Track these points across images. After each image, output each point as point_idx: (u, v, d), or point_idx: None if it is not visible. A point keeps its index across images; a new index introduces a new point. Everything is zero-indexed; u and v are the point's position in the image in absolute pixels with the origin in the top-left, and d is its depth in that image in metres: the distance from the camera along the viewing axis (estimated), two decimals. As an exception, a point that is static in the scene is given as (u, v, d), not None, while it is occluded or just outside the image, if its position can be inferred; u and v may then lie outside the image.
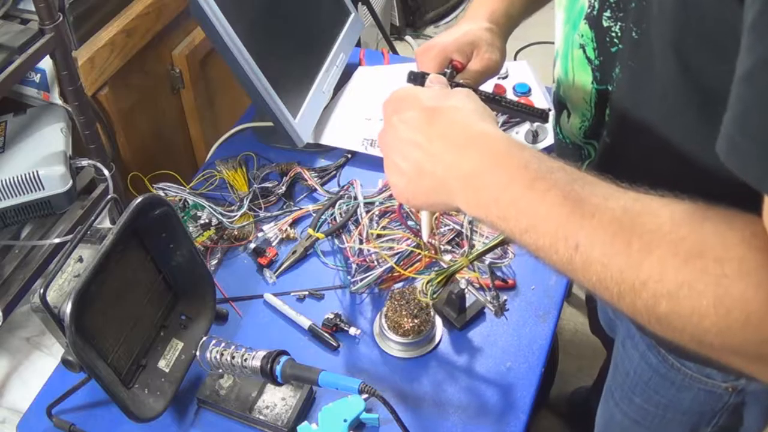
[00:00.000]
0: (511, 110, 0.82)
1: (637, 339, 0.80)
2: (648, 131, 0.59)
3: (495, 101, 0.78)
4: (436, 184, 0.56)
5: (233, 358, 0.91)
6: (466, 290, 1.03)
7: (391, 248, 1.14)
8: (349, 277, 1.13)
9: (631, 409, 0.85)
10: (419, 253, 1.12)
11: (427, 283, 1.00)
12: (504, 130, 1.02)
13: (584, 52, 0.65)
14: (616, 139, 0.65)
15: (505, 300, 1.04)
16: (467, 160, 0.54)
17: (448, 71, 0.81)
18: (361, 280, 1.11)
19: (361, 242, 1.15)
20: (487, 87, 1.39)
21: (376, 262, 1.13)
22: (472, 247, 1.10)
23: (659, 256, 0.44)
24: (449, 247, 1.16)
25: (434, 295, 1.01)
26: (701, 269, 0.43)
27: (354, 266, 1.13)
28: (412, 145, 0.58)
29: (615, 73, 0.62)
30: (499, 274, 1.13)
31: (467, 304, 1.09)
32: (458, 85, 0.78)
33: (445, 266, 1.12)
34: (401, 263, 1.12)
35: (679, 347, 0.74)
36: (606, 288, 0.47)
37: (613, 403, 0.90)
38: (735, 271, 0.42)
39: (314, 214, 1.24)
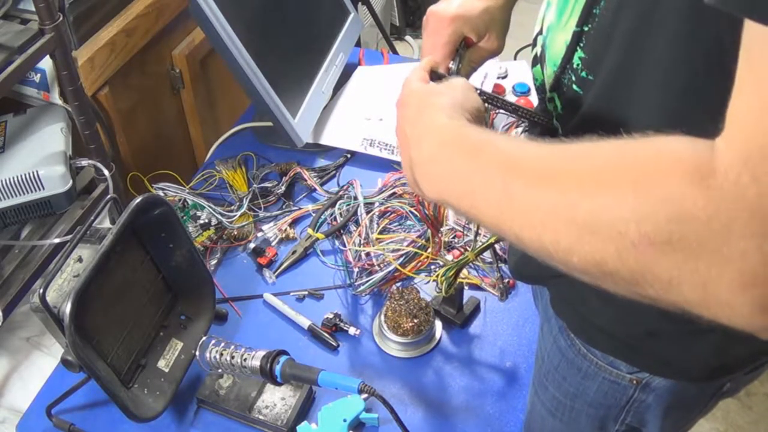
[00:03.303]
0: (515, 114, 0.81)
1: (552, 322, 0.80)
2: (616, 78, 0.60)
3: (502, 105, 0.77)
4: (414, 175, 0.63)
5: (233, 358, 0.91)
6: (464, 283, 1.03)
7: (395, 250, 1.13)
8: (350, 280, 1.13)
9: (546, 398, 0.85)
10: (423, 254, 1.12)
11: (442, 276, 1.01)
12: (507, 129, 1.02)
13: None
14: (579, 84, 0.65)
15: (509, 282, 1.04)
16: (421, 150, 0.61)
17: (461, 52, 0.80)
18: (365, 282, 1.11)
19: (361, 244, 1.15)
20: (487, 87, 1.40)
21: (377, 267, 1.13)
22: (476, 240, 1.09)
23: (584, 188, 0.46)
24: (447, 239, 1.17)
25: (450, 289, 1.02)
26: (625, 166, 0.44)
27: (356, 270, 1.13)
28: (405, 140, 0.65)
29: (599, 6, 0.61)
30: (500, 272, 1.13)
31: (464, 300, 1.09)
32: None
33: (442, 264, 1.12)
34: (404, 264, 1.12)
35: (587, 332, 0.74)
36: (534, 236, 0.48)
37: (533, 391, 0.89)
38: (652, 154, 0.43)
39: (314, 214, 1.24)
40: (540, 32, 0.71)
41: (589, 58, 0.62)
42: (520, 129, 1.04)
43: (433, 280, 1.05)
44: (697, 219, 0.40)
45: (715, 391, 0.76)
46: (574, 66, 0.64)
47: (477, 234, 1.01)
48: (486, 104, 0.75)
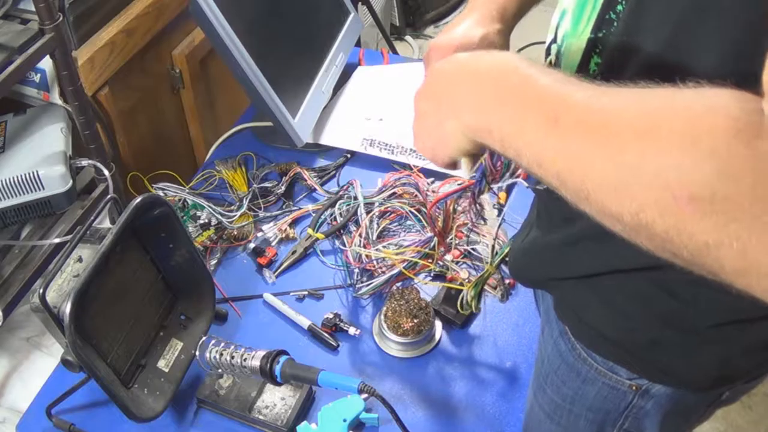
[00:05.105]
0: None
1: (553, 325, 0.80)
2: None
3: None
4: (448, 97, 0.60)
5: (233, 358, 0.91)
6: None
7: (398, 253, 1.13)
8: (351, 281, 1.14)
9: (544, 401, 0.85)
10: (424, 262, 1.12)
11: (470, 293, 1.01)
12: None
13: None
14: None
15: (510, 284, 1.04)
16: (463, 82, 0.59)
17: None
18: (366, 285, 1.11)
19: (361, 244, 1.15)
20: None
21: (378, 269, 1.13)
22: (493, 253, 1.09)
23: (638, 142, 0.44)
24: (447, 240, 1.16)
25: (478, 304, 1.03)
26: (671, 113, 0.42)
27: (356, 270, 1.13)
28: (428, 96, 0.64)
29: (615, 11, 0.61)
30: (500, 273, 1.13)
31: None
32: None
33: (441, 265, 1.12)
34: (406, 268, 1.12)
35: (588, 337, 0.73)
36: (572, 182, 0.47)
37: (532, 394, 0.89)
38: (704, 107, 0.41)
39: (314, 214, 1.24)
40: (554, 40, 0.70)
41: (606, 63, 0.62)
42: None
43: (463, 304, 1.05)
44: (742, 180, 0.38)
45: (714, 399, 0.76)
46: (591, 72, 0.63)
47: (494, 248, 1.01)
48: None
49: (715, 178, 0.39)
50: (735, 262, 0.40)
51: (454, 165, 0.66)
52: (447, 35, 0.80)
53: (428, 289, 1.12)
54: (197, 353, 0.94)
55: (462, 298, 1.04)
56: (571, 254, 0.71)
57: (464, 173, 0.65)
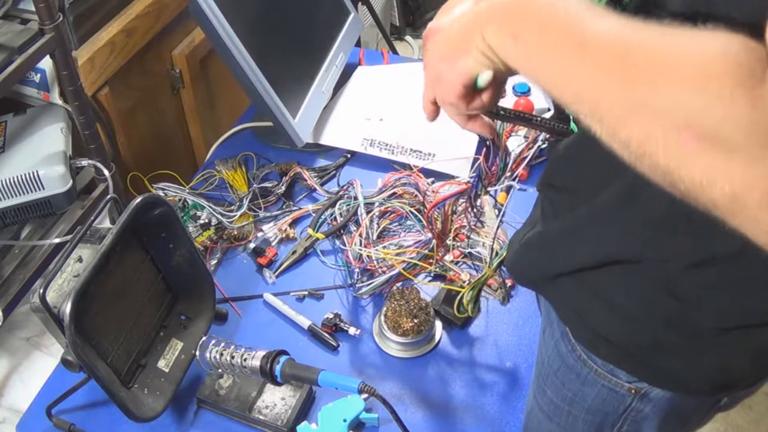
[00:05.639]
0: (532, 125, 0.79)
1: (554, 326, 0.79)
2: None
3: (520, 118, 0.76)
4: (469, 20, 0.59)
5: (233, 358, 0.91)
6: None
7: (398, 254, 1.13)
8: (351, 280, 1.14)
9: (544, 402, 0.85)
10: (425, 263, 1.12)
11: (467, 296, 1.01)
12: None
13: None
14: None
15: (511, 286, 1.03)
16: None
17: None
18: (366, 284, 1.11)
19: (361, 243, 1.15)
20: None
21: (379, 269, 1.13)
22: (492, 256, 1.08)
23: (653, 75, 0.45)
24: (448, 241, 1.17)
25: (475, 308, 1.03)
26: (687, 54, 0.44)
27: (357, 270, 1.13)
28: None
29: (621, 6, 0.61)
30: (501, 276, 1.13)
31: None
32: None
33: (441, 266, 1.12)
34: (406, 269, 1.12)
35: (589, 338, 0.73)
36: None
37: (532, 395, 0.89)
38: (717, 51, 0.43)
39: (314, 214, 1.24)
40: None
41: None
42: (540, 140, 1.03)
43: (458, 307, 1.05)
44: (740, 125, 0.41)
45: (713, 404, 0.75)
46: None
47: (493, 249, 1.01)
48: (502, 119, 0.73)
49: (720, 121, 0.41)
50: (726, 204, 0.43)
51: (468, 97, 0.64)
52: (446, 17, 0.79)
53: (428, 289, 1.12)
54: (197, 353, 0.94)
55: (459, 302, 1.04)
56: (570, 243, 0.70)
57: (482, 81, 0.63)
